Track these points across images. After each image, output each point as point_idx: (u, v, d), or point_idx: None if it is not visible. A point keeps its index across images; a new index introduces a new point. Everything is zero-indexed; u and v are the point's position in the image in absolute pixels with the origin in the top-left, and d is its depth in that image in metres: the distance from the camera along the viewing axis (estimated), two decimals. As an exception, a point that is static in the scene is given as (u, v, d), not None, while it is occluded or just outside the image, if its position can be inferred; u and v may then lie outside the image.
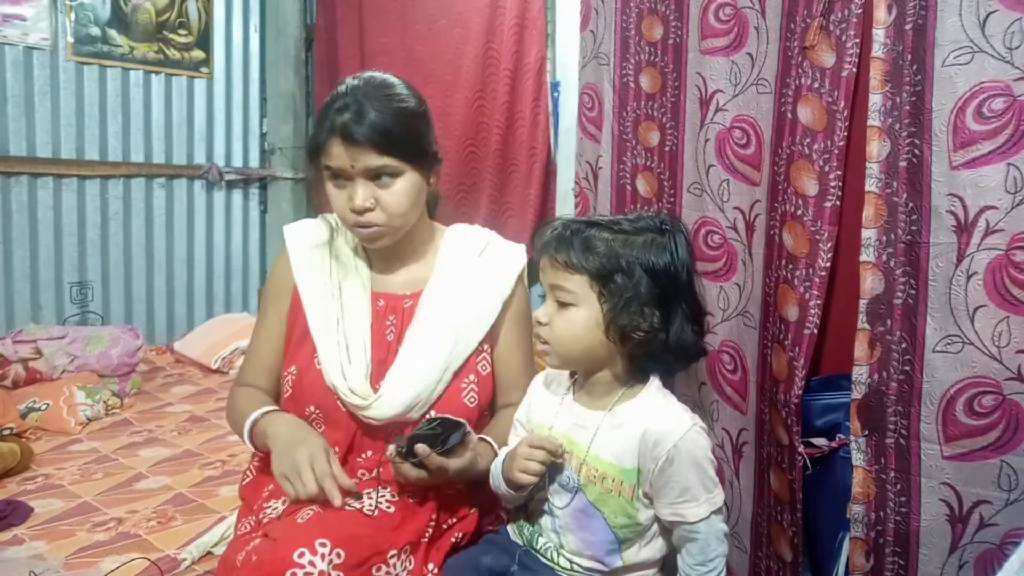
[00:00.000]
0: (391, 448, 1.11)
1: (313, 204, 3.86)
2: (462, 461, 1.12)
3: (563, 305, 1.06)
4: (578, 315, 1.05)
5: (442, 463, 1.09)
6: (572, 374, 1.16)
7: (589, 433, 1.08)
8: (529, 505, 1.17)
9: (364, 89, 1.19)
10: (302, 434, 1.17)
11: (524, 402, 1.21)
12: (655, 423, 1.03)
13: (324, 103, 1.22)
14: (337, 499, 1.07)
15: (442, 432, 1.10)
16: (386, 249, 1.30)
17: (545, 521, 1.12)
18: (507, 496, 1.15)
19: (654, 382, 1.10)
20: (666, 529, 1.08)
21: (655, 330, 1.03)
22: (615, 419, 1.07)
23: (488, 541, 1.19)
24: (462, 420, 1.14)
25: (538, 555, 1.12)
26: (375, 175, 1.18)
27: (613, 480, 1.05)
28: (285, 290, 1.32)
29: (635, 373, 1.09)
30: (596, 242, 1.04)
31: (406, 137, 1.20)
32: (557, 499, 1.10)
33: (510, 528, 1.19)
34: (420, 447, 1.08)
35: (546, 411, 1.15)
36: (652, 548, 1.08)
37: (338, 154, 1.17)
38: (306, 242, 1.33)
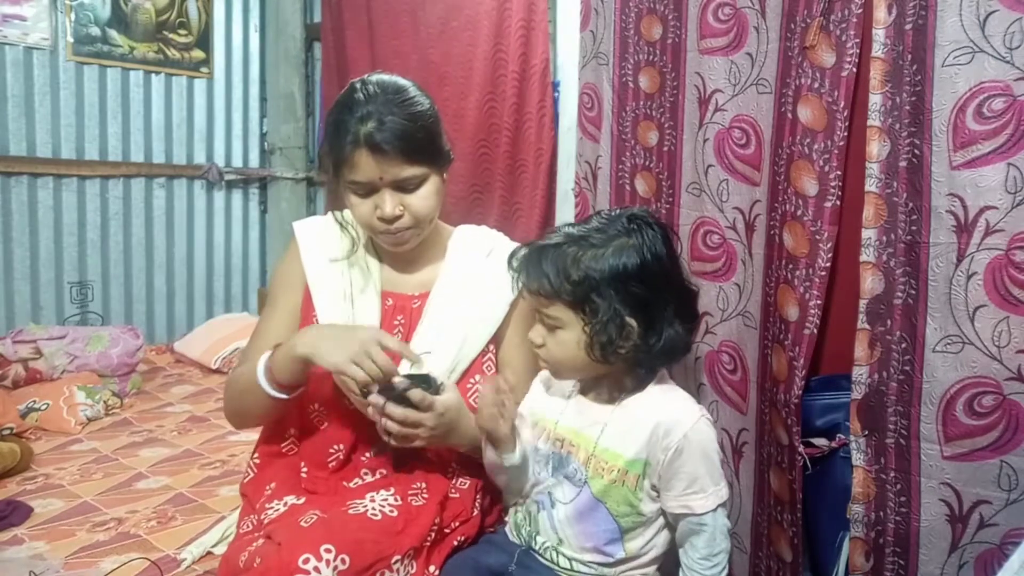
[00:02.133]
0: (374, 399, 1.10)
1: (325, 205, 3.86)
2: (449, 399, 1.13)
3: (551, 328, 1.06)
4: (567, 336, 1.05)
5: (429, 398, 1.10)
6: None
7: (598, 427, 1.08)
8: (526, 504, 1.17)
9: (382, 97, 1.17)
10: (351, 326, 1.18)
11: (528, 397, 1.21)
12: (665, 414, 1.04)
13: (337, 112, 1.19)
14: (418, 363, 1.12)
15: (414, 380, 1.13)
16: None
17: (544, 519, 1.12)
18: (494, 462, 1.15)
19: (660, 376, 1.11)
20: (669, 525, 1.08)
21: (638, 341, 1.03)
22: (623, 411, 1.08)
23: (487, 541, 1.19)
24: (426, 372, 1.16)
25: (537, 555, 1.12)
26: (402, 184, 1.18)
27: (619, 471, 1.05)
28: (298, 282, 1.32)
29: (638, 374, 1.09)
30: (567, 265, 1.03)
31: (428, 143, 1.20)
32: (561, 493, 1.10)
33: (508, 530, 1.19)
34: (397, 380, 1.10)
35: (552, 407, 1.15)
36: (656, 542, 1.08)
37: (366, 166, 1.16)
38: (317, 240, 1.33)
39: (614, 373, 1.09)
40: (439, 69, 3.08)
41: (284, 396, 1.19)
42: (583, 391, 1.14)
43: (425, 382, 1.13)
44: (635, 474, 1.04)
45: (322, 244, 1.32)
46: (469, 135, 2.97)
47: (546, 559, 1.11)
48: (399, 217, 1.19)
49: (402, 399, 1.10)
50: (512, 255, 1.13)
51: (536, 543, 1.13)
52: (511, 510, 1.22)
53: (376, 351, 1.08)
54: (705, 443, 1.04)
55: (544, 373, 1.21)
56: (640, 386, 1.09)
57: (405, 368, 1.19)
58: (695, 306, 1.11)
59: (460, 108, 2.98)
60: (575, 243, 1.06)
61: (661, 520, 1.09)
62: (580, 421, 1.11)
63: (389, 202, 1.18)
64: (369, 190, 1.19)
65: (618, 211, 1.11)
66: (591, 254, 1.03)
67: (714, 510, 1.03)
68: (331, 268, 1.30)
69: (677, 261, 1.09)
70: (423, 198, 1.20)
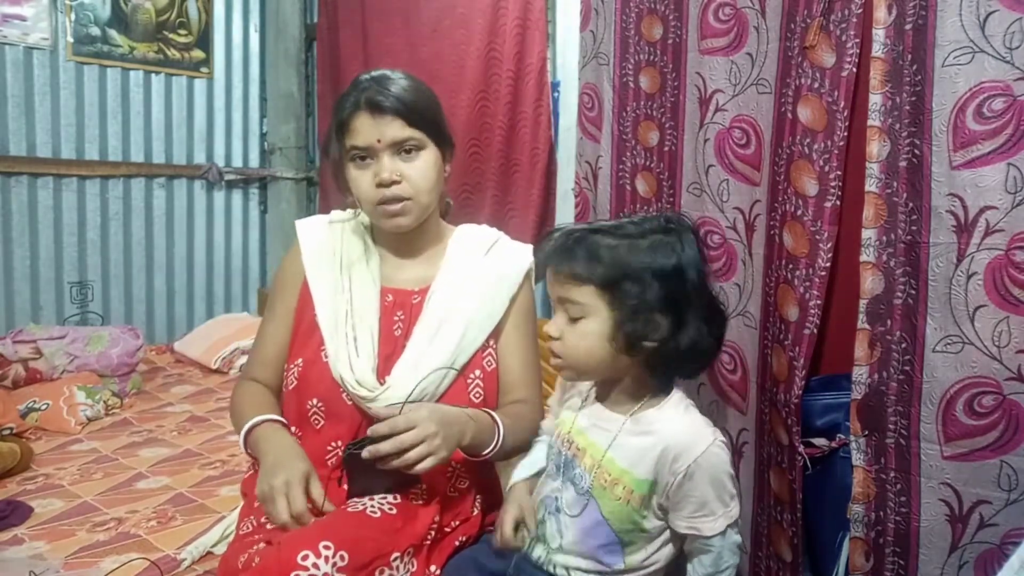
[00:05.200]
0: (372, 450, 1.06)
1: (325, 199, 3.85)
2: (415, 410, 1.08)
3: (574, 318, 1.03)
4: (590, 327, 1.01)
5: (402, 419, 1.05)
6: None
7: (609, 436, 1.05)
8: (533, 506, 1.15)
9: (382, 74, 1.25)
10: (285, 458, 1.13)
11: (556, 395, 1.20)
12: (677, 437, 1.01)
13: (344, 92, 1.26)
14: (308, 520, 1.05)
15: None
16: (398, 243, 1.31)
17: (551, 523, 1.09)
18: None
19: (677, 392, 1.07)
20: (676, 537, 1.07)
21: (667, 337, 1.00)
22: (636, 426, 1.04)
23: (488, 542, 1.19)
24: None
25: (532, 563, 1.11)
26: (399, 149, 1.21)
27: (624, 488, 1.03)
28: (294, 283, 1.32)
29: (656, 381, 1.06)
30: (601, 250, 1.01)
31: (427, 110, 1.24)
32: (567, 502, 1.08)
33: None
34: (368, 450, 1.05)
35: (572, 407, 1.14)
36: (659, 556, 1.07)
37: (364, 128, 1.20)
38: (318, 236, 1.34)
39: (630, 378, 1.06)
40: (430, 67, 3.08)
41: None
42: (599, 397, 1.11)
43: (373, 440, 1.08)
44: (640, 495, 1.02)
45: (323, 241, 1.33)
46: (460, 133, 2.96)
47: (541, 569, 1.09)
48: (397, 183, 1.21)
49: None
50: (541, 239, 1.10)
51: (533, 553, 1.10)
52: None
53: (280, 504, 1.05)
54: (716, 469, 1.01)
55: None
56: (655, 400, 1.06)
57: (349, 375, 1.20)
58: (719, 317, 1.07)
59: (451, 106, 2.97)
60: (610, 232, 1.03)
61: (666, 535, 1.07)
62: (592, 426, 1.08)
63: (387, 166, 1.20)
64: (369, 157, 1.22)
65: (652, 213, 1.10)
66: (628, 243, 1.01)
67: (722, 532, 1.01)
68: (331, 264, 1.31)
69: (707, 266, 1.06)
70: (420, 168, 1.22)
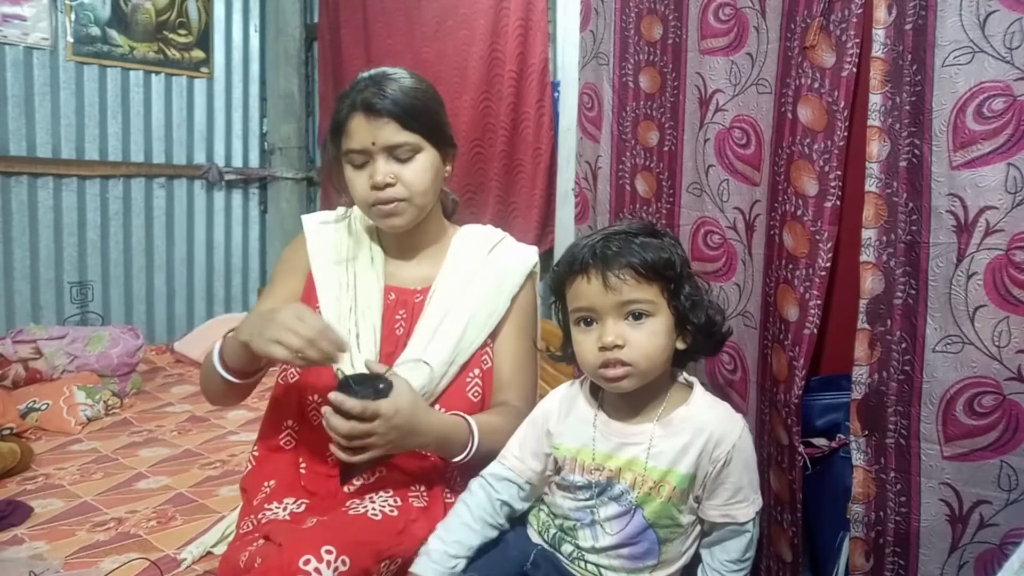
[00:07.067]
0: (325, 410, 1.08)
1: (326, 198, 3.85)
2: (397, 401, 1.08)
3: (638, 319, 1.01)
4: (659, 324, 1.02)
5: (371, 407, 1.06)
6: (595, 393, 1.12)
7: (642, 448, 1.04)
8: (560, 520, 1.12)
9: (381, 73, 1.24)
10: (273, 308, 1.13)
11: (549, 426, 1.13)
12: (716, 426, 1.03)
13: (342, 93, 1.25)
14: (343, 346, 1.08)
15: (357, 384, 1.09)
16: (400, 242, 1.31)
17: (587, 535, 1.07)
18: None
19: (698, 385, 1.09)
20: (696, 537, 1.08)
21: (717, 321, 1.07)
22: (668, 428, 1.04)
23: (502, 540, 1.17)
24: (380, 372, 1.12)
25: (558, 555, 1.10)
26: (395, 152, 1.21)
27: (667, 486, 1.03)
28: (300, 270, 1.33)
29: (669, 382, 1.09)
30: (650, 249, 1.02)
31: (424, 113, 1.23)
32: (609, 519, 1.06)
33: (529, 528, 1.16)
34: (333, 395, 1.06)
35: (580, 436, 1.09)
36: (689, 552, 1.08)
37: (359, 130, 1.19)
38: (324, 231, 1.35)
39: (661, 376, 1.06)
40: (433, 68, 3.09)
41: (236, 380, 1.20)
42: (608, 411, 1.10)
43: (370, 384, 1.08)
44: (681, 490, 1.03)
45: (329, 236, 1.34)
46: (463, 134, 2.97)
47: (569, 562, 1.09)
48: (391, 185, 1.20)
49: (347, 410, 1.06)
50: (566, 252, 1.09)
51: (561, 548, 1.10)
52: (532, 512, 1.17)
53: (298, 325, 1.06)
54: (748, 453, 1.04)
55: (552, 404, 1.15)
56: (679, 399, 1.07)
57: (350, 369, 1.17)
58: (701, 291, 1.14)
59: (454, 107, 2.98)
60: (637, 234, 1.05)
61: (696, 531, 1.07)
62: (618, 446, 1.06)
63: (381, 169, 1.20)
64: (364, 159, 1.21)
65: (632, 220, 1.12)
66: (659, 242, 1.04)
67: (754, 518, 1.03)
68: (337, 259, 1.31)
69: None
70: (416, 170, 1.22)
